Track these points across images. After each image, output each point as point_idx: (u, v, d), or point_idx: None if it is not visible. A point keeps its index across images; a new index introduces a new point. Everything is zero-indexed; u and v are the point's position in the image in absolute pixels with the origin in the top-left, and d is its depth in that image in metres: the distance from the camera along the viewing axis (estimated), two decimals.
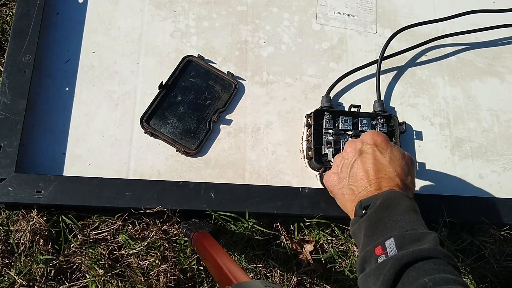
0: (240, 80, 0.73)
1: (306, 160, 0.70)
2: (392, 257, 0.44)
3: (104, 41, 0.72)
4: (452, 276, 0.42)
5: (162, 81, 0.69)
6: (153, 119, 0.68)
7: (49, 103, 0.68)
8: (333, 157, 0.67)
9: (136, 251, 0.63)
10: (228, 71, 0.72)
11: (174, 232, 0.64)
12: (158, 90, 0.69)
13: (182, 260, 0.64)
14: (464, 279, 0.67)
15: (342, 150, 0.68)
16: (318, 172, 0.69)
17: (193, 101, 0.70)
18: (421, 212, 0.67)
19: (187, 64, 0.72)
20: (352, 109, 0.72)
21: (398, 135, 0.71)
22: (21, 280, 0.60)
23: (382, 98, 0.75)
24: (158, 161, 0.67)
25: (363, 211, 0.51)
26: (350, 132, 0.70)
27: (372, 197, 0.51)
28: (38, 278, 0.61)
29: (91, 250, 0.62)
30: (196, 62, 0.72)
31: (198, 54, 0.72)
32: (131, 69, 0.71)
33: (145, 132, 0.68)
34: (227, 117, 0.71)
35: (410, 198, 0.51)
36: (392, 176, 0.53)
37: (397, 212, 0.48)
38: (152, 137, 0.68)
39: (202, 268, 0.64)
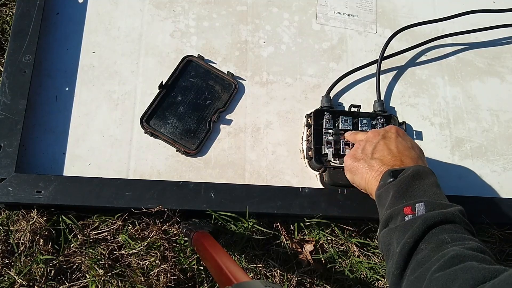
0: (240, 80, 0.73)
1: (306, 160, 0.70)
2: (421, 216, 0.47)
3: (104, 41, 0.72)
4: (469, 236, 0.47)
5: (162, 81, 0.69)
6: (153, 119, 0.68)
7: (49, 103, 0.68)
8: (333, 157, 0.68)
9: (136, 251, 0.63)
10: (228, 71, 0.72)
11: (174, 232, 0.64)
12: (158, 90, 0.69)
13: (182, 260, 0.64)
14: None
15: (342, 150, 0.68)
16: (318, 172, 0.69)
17: (193, 101, 0.70)
18: None
19: (187, 64, 0.72)
20: (352, 109, 0.72)
21: None
22: (21, 280, 0.60)
23: (382, 98, 0.75)
24: (158, 161, 0.67)
25: (392, 179, 0.53)
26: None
27: (400, 167, 0.54)
28: (38, 278, 0.61)
29: (91, 250, 0.62)
30: (196, 62, 0.72)
31: (198, 54, 0.72)
32: (131, 69, 0.71)
33: (145, 132, 0.68)
34: (227, 117, 0.71)
35: (433, 174, 0.54)
36: (415, 157, 0.57)
37: (426, 183, 0.52)
38: (152, 137, 0.68)
39: (202, 268, 0.64)
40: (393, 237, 0.49)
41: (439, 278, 0.41)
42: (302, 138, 0.72)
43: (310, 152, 0.69)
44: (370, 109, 0.74)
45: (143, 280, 0.61)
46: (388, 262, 0.50)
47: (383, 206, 0.53)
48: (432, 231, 0.47)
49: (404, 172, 0.53)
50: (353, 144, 0.65)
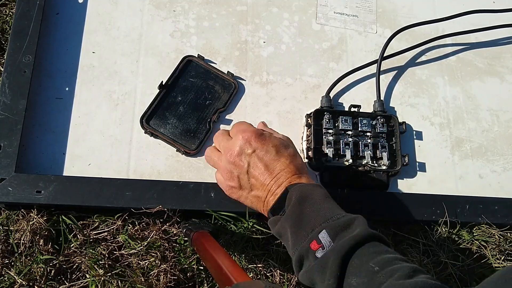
0: (240, 80, 0.73)
1: (306, 160, 0.70)
2: (331, 249, 0.45)
3: (104, 41, 0.72)
4: (390, 255, 0.44)
5: (162, 81, 0.69)
6: (153, 119, 0.68)
7: (49, 103, 0.68)
8: (333, 157, 0.68)
9: (136, 251, 0.63)
10: (228, 71, 0.72)
11: (174, 232, 0.64)
12: (158, 90, 0.69)
13: (182, 260, 0.64)
14: (464, 279, 0.67)
15: (342, 150, 0.68)
16: (318, 172, 0.69)
17: (193, 101, 0.70)
18: (422, 212, 0.68)
19: (187, 64, 0.72)
20: (352, 109, 0.72)
21: (398, 135, 0.71)
22: (21, 280, 0.60)
23: (382, 98, 0.75)
24: (158, 161, 0.67)
25: (279, 214, 0.52)
26: (350, 132, 0.70)
27: (280, 198, 0.52)
28: (38, 278, 0.61)
29: (91, 250, 0.62)
30: (196, 62, 0.72)
31: (198, 54, 0.72)
32: (131, 69, 0.71)
33: (145, 132, 0.68)
34: (227, 117, 0.71)
35: (318, 186, 0.52)
36: (285, 166, 0.54)
37: (315, 202, 0.50)
38: (152, 137, 0.68)
39: (202, 268, 0.64)
40: (315, 277, 0.46)
41: None
42: (302, 138, 0.72)
43: (310, 152, 0.69)
44: (370, 109, 0.74)
45: (143, 280, 0.61)
46: None
47: (287, 241, 0.51)
48: (351, 262, 0.44)
49: (289, 201, 0.51)
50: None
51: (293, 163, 0.55)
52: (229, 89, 0.72)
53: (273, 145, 0.55)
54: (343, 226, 0.47)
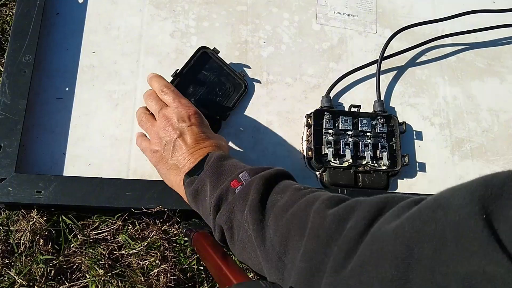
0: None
1: (306, 160, 0.70)
2: (254, 179, 0.46)
3: (104, 41, 0.72)
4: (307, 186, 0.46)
5: (177, 69, 0.68)
6: None
7: (49, 103, 0.68)
8: (333, 157, 0.68)
9: (136, 251, 0.63)
10: (240, 70, 0.72)
11: (174, 232, 0.64)
12: (172, 78, 0.68)
13: (182, 260, 0.64)
14: None
15: (342, 150, 0.68)
16: (318, 172, 0.69)
17: (204, 95, 0.69)
18: None
19: (202, 56, 0.71)
20: (352, 109, 0.72)
21: (398, 135, 0.71)
22: (21, 280, 0.60)
23: (382, 98, 0.75)
24: None
25: (197, 175, 0.53)
26: (350, 132, 0.70)
27: (198, 163, 0.53)
28: (38, 278, 0.61)
29: (91, 250, 0.62)
30: (211, 55, 0.71)
31: (214, 47, 0.71)
32: (131, 69, 0.71)
33: None
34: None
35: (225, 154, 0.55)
36: (211, 144, 0.56)
37: (235, 161, 0.52)
38: None
39: (202, 268, 0.64)
40: (234, 210, 0.46)
41: (335, 215, 0.38)
42: (302, 138, 0.72)
43: (310, 152, 0.69)
44: (370, 109, 0.74)
45: (143, 280, 0.61)
46: (235, 236, 0.46)
47: (205, 196, 0.50)
48: (278, 186, 0.45)
49: (209, 158, 0.52)
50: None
51: (220, 147, 0.57)
52: (239, 89, 0.71)
53: (207, 130, 0.58)
54: (263, 169, 0.48)
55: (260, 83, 0.74)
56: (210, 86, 0.70)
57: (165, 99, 0.59)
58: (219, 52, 0.72)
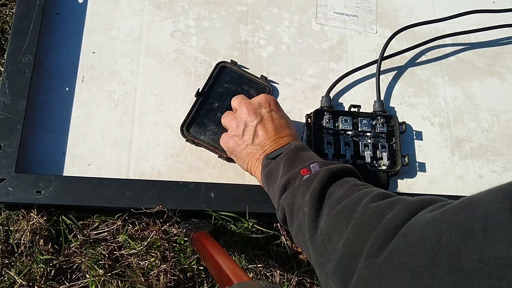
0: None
1: None
2: (321, 169, 0.50)
3: (104, 41, 0.72)
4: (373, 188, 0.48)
5: (199, 89, 0.69)
6: (193, 127, 0.68)
7: (49, 103, 0.68)
8: (333, 157, 0.67)
9: (136, 251, 0.63)
10: (261, 75, 0.73)
11: (174, 232, 0.64)
12: (195, 98, 0.69)
13: (182, 260, 0.64)
14: None
15: (343, 150, 0.68)
16: None
17: (230, 107, 0.70)
18: None
19: (221, 70, 0.72)
20: (352, 109, 0.72)
21: (398, 135, 0.71)
22: (21, 280, 0.60)
23: (382, 98, 0.75)
24: (158, 161, 0.67)
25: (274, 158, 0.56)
26: (350, 132, 0.70)
27: (279, 149, 0.56)
28: (38, 278, 0.61)
29: (91, 250, 0.62)
30: (230, 68, 0.72)
31: (231, 60, 0.73)
32: (131, 69, 0.71)
33: (186, 140, 0.68)
34: None
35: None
36: (291, 133, 0.59)
37: (312, 153, 0.55)
38: (193, 145, 0.68)
39: (202, 268, 0.64)
40: (297, 194, 0.49)
41: (378, 207, 0.41)
42: (302, 138, 0.72)
43: None
44: (370, 109, 0.74)
45: (143, 280, 0.61)
46: (294, 218, 0.50)
47: (276, 179, 0.54)
48: (339, 181, 0.48)
49: (289, 146, 0.55)
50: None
51: (296, 134, 0.61)
52: (263, 93, 0.72)
53: (285, 116, 0.61)
54: (333, 163, 0.52)
55: None
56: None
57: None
58: (237, 63, 0.73)
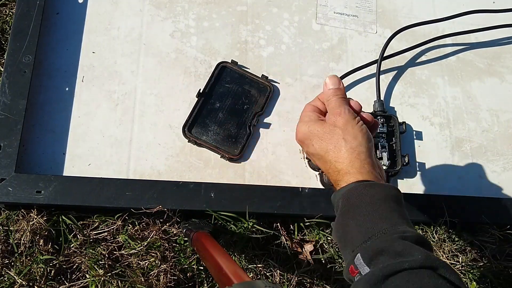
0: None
1: (306, 160, 0.70)
2: (362, 277, 0.42)
3: (104, 41, 0.72)
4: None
5: (200, 89, 0.69)
6: (195, 128, 0.68)
7: (49, 103, 0.68)
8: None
9: (136, 251, 0.63)
10: (262, 74, 0.73)
11: (174, 232, 0.64)
12: (196, 99, 0.69)
13: (182, 260, 0.64)
14: (464, 279, 0.67)
15: None
16: (318, 172, 0.69)
17: (231, 106, 0.70)
18: (421, 212, 0.68)
19: (221, 71, 0.72)
20: None
21: (398, 135, 0.71)
22: (21, 280, 0.60)
23: (382, 98, 0.75)
24: (158, 161, 0.67)
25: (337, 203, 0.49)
26: None
27: (334, 194, 0.50)
28: (38, 278, 0.61)
29: (91, 250, 0.62)
30: (230, 68, 0.72)
31: (232, 60, 0.73)
32: (131, 69, 0.71)
33: (189, 141, 0.68)
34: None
35: (373, 185, 0.47)
36: (343, 164, 0.50)
37: (360, 213, 0.45)
38: (195, 146, 0.68)
39: (202, 268, 0.64)
40: None
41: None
42: None
43: None
44: (370, 109, 0.74)
45: (143, 280, 0.61)
46: None
47: (341, 248, 0.48)
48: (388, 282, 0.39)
49: (336, 207, 0.49)
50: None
51: (360, 157, 0.50)
52: (264, 92, 0.72)
53: (360, 128, 0.52)
54: (378, 250, 0.42)
55: None
56: (236, 96, 0.71)
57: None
58: (237, 63, 0.73)
